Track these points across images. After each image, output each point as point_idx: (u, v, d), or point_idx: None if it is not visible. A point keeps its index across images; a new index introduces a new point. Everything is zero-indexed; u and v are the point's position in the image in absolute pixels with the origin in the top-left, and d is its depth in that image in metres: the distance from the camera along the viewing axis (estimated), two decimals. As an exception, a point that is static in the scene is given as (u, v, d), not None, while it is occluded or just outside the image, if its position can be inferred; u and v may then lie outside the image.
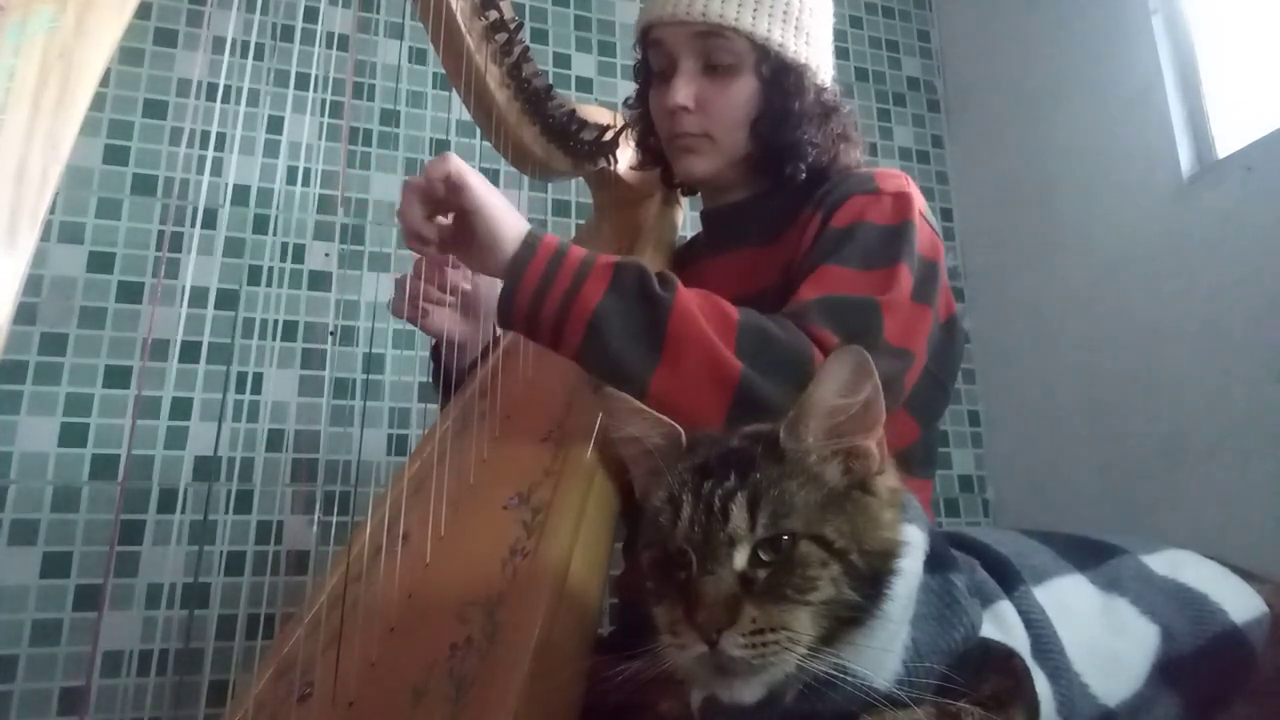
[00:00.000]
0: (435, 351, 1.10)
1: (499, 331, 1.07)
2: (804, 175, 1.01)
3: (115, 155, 1.59)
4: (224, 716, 0.70)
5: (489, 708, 0.59)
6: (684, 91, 1.00)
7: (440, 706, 0.61)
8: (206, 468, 1.49)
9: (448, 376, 1.04)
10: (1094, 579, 0.60)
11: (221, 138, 1.58)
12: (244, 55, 1.54)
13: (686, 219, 1.25)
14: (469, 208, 0.80)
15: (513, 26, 0.98)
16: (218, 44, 1.63)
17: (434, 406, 1.11)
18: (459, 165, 0.80)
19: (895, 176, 0.96)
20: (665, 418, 0.57)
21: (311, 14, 1.67)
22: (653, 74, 1.06)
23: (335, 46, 1.77)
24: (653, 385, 0.76)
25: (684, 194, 1.20)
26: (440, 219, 0.84)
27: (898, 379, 0.84)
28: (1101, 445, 1.78)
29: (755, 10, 0.98)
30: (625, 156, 1.22)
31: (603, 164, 1.20)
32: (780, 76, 0.99)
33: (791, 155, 1.01)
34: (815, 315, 0.81)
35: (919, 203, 0.93)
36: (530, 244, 0.80)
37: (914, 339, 0.86)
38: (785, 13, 0.99)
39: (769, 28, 0.98)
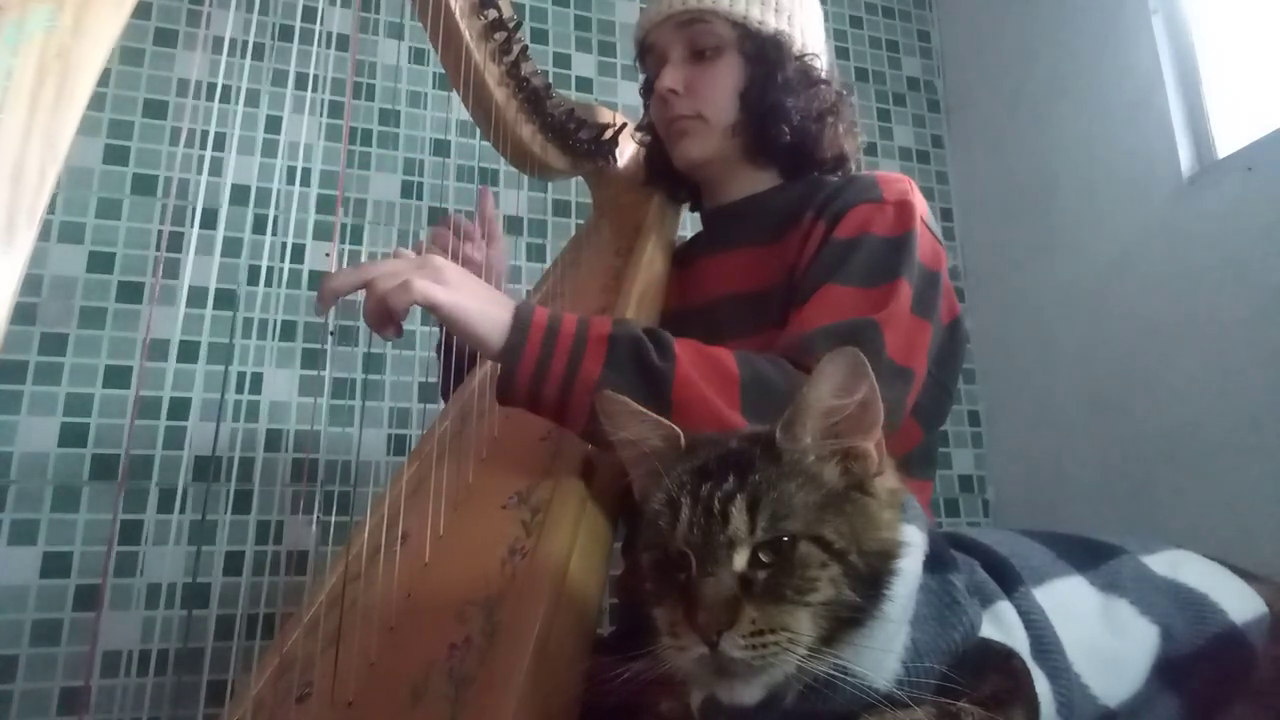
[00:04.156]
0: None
1: None
2: (788, 137, 1.03)
3: (115, 155, 1.59)
4: (223, 716, 0.70)
5: (488, 707, 0.59)
6: (671, 76, 1.04)
7: (439, 706, 0.61)
8: (206, 468, 1.49)
9: (460, 356, 1.05)
10: (1094, 579, 0.60)
11: (221, 138, 1.58)
12: (244, 55, 1.54)
13: (686, 219, 1.25)
14: (445, 320, 0.77)
15: (511, 25, 0.98)
16: (218, 44, 1.63)
17: (434, 406, 1.11)
18: (422, 290, 0.75)
19: (898, 182, 0.96)
20: (664, 420, 0.57)
21: (311, 14, 1.67)
22: (651, 81, 1.09)
23: (335, 46, 1.77)
24: None
25: (691, 209, 1.21)
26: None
27: (899, 402, 0.84)
28: (1101, 445, 1.78)
29: None
30: (625, 155, 1.22)
31: (602, 163, 1.20)
32: (761, 50, 1.04)
33: (775, 118, 1.03)
34: (817, 349, 0.81)
35: (921, 209, 0.94)
36: (520, 328, 0.77)
37: (915, 355, 0.86)
38: None
39: (746, 7, 1.03)
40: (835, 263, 0.89)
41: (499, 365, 0.78)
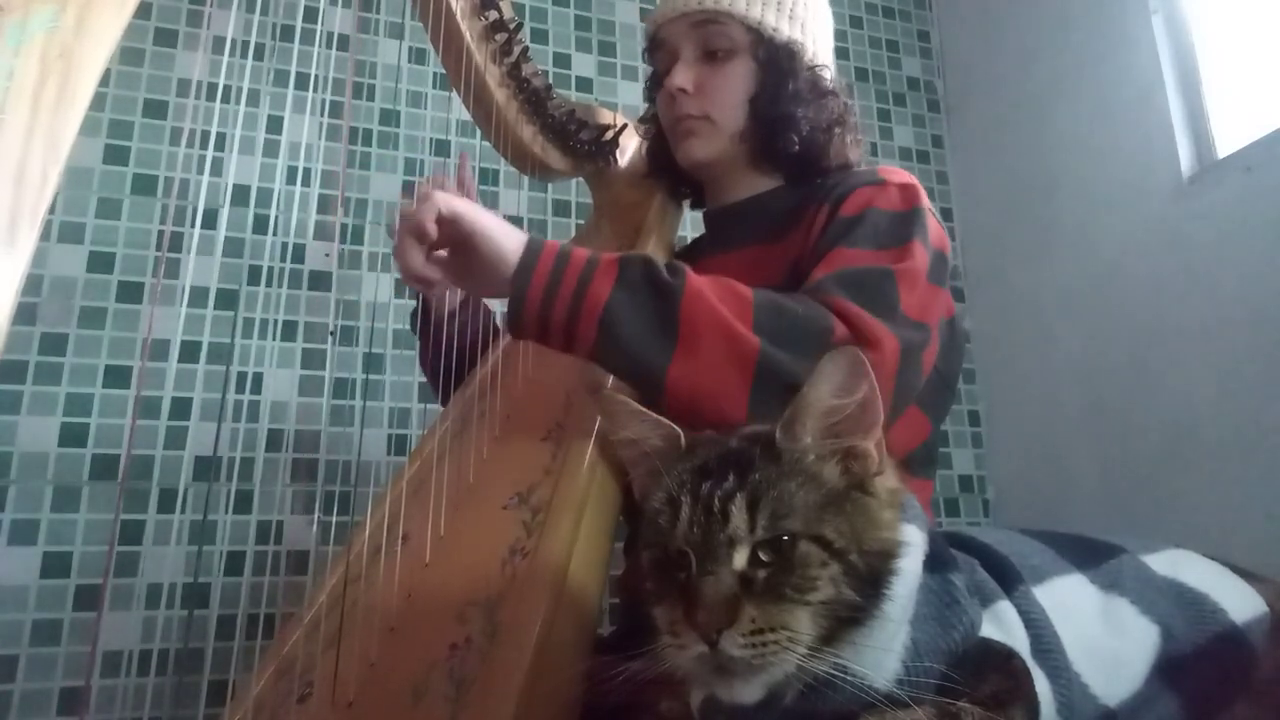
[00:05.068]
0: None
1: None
2: (797, 147, 1.02)
3: (115, 155, 1.59)
4: (224, 716, 0.70)
5: (489, 708, 0.59)
6: (683, 75, 1.03)
7: (440, 706, 0.61)
8: (206, 468, 1.49)
9: (460, 355, 1.05)
10: (1094, 579, 0.60)
11: (221, 138, 1.58)
12: (244, 55, 1.54)
13: (687, 219, 1.25)
14: (466, 233, 0.80)
15: (512, 26, 0.98)
16: (218, 44, 1.63)
17: (434, 407, 1.11)
18: (445, 200, 0.80)
19: (900, 172, 0.97)
20: (664, 419, 0.57)
21: (311, 14, 1.67)
22: (659, 77, 1.08)
23: (335, 46, 1.77)
24: (671, 372, 0.75)
25: (692, 207, 1.21)
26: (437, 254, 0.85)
27: (917, 352, 0.83)
28: (1101, 445, 1.78)
29: None
30: (626, 157, 1.22)
31: (602, 164, 1.20)
32: (774, 57, 1.03)
33: (785, 128, 1.02)
34: (831, 286, 0.81)
35: (925, 197, 0.94)
36: (533, 250, 0.80)
37: (930, 315, 0.86)
38: (779, 1, 1.03)
39: (762, 13, 1.02)
40: (842, 232, 0.89)
41: (510, 290, 0.79)
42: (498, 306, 1.18)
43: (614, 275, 0.78)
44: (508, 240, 0.80)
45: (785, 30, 1.03)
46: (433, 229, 0.79)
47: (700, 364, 0.75)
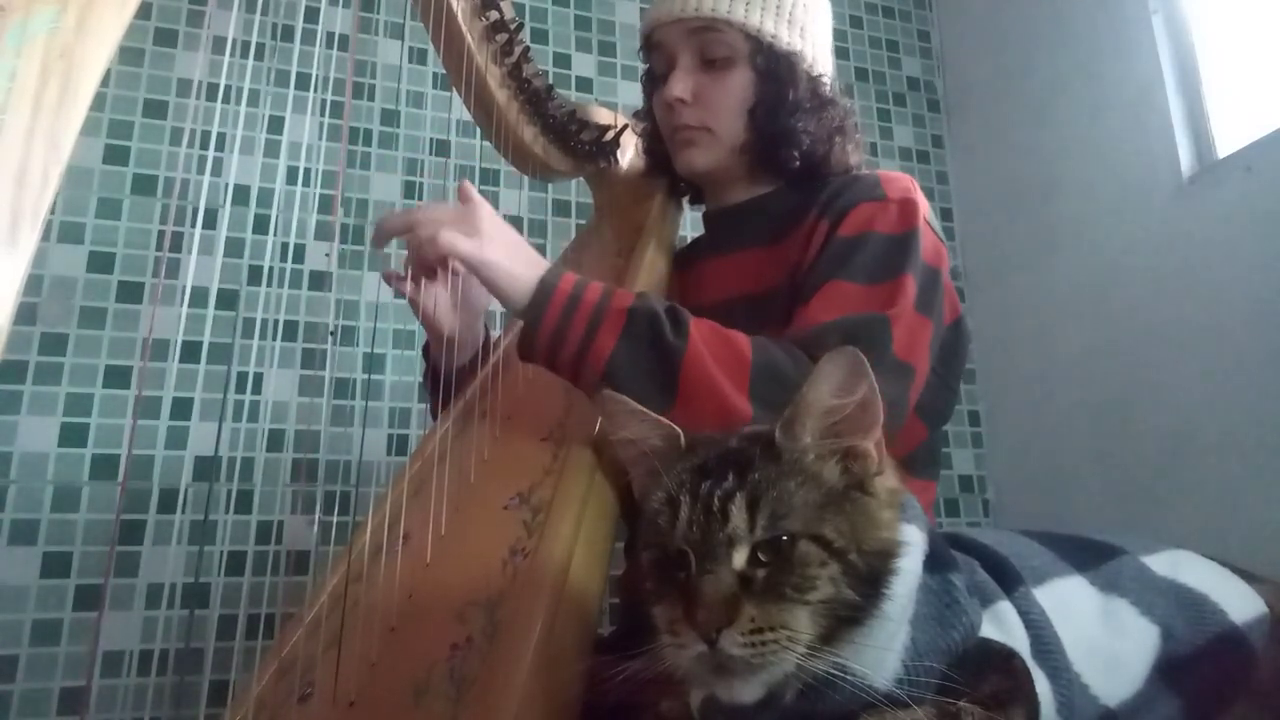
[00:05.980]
0: (426, 351, 1.10)
1: (491, 334, 1.09)
2: (798, 163, 1.02)
3: (115, 155, 1.59)
4: (224, 717, 0.70)
5: (489, 707, 0.59)
6: (681, 84, 1.02)
7: (441, 706, 0.61)
8: (207, 468, 1.49)
9: (436, 374, 1.04)
10: (1094, 580, 0.60)
11: (221, 138, 1.59)
12: (244, 55, 1.54)
13: (687, 219, 1.25)
14: (472, 269, 0.83)
15: (513, 27, 0.98)
16: (218, 44, 1.63)
17: (435, 406, 1.11)
18: (448, 242, 0.81)
19: (900, 180, 0.96)
20: (664, 419, 0.57)
21: (311, 14, 1.67)
22: (656, 78, 1.08)
23: (335, 46, 1.77)
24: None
25: (691, 203, 1.20)
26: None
27: (902, 397, 0.85)
28: (1101, 445, 1.78)
29: (748, 4, 1.00)
30: (627, 157, 1.22)
31: (603, 164, 1.20)
32: (774, 66, 1.01)
33: (785, 142, 1.01)
34: (829, 342, 0.81)
35: (923, 208, 0.94)
36: (545, 291, 0.81)
37: (916, 351, 0.87)
38: (778, 7, 1.01)
39: (761, 20, 1.00)
40: (840, 260, 0.89)
41: (523, 321, 0.83)
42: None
43: (620, 327, 0.79)
44: (516, 279, 0.82)
45: (785, 37, 1.01)
46: (436, 265, 0.86)
47: (693, 423, 0.76)
